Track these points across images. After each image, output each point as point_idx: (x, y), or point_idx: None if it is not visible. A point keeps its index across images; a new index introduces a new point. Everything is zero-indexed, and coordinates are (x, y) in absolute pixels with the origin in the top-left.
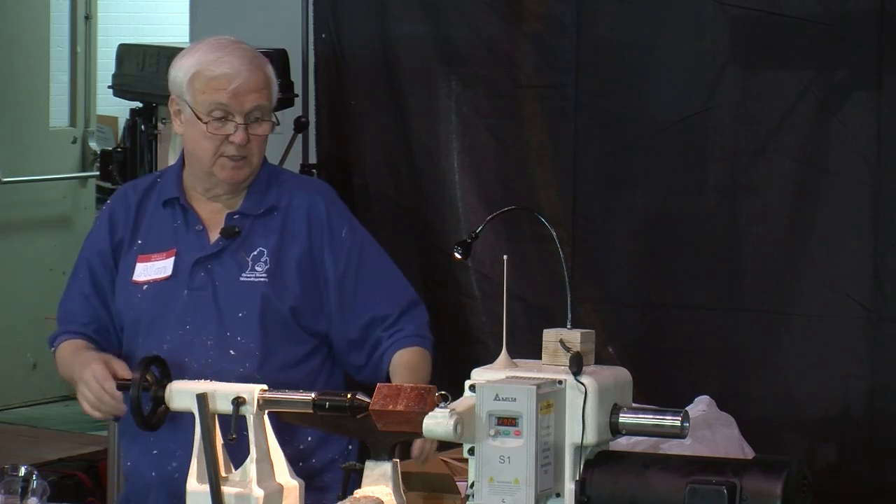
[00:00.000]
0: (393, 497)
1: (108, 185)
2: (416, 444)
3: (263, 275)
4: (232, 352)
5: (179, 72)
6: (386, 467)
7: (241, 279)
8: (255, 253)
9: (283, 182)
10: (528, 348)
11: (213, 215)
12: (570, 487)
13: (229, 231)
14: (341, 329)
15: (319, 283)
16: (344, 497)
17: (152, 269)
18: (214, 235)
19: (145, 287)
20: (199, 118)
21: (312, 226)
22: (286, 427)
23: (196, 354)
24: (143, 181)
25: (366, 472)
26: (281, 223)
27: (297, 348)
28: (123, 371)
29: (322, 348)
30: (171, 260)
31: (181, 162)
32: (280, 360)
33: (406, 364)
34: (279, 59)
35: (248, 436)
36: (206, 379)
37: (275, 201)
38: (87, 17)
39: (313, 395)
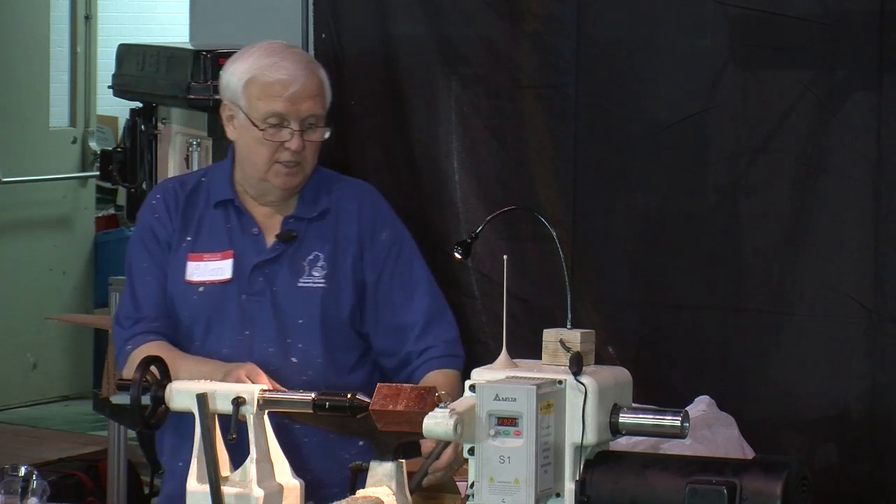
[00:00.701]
0: (393, 497)
1: (108, 184)
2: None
3: (321, 280)
4: (294, 359)
5: (233, 77)
6: (389, 467)
7: (300, 285)
8: (311, 258)
9: (332, 185)
10: (528, 348)
11: (267, 219)
12: (570, 487)
13: (286, 235)
14: (372, 334)
15: (362, 287)
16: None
17: (207, 270)
18: (270, 239)
19: (201, 288)
20: (254, 125)
21: (361, 229)
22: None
23: (257, 362)
24: (188, 179)
25: (370, 472)
26: (334, 227)
27: (353, 353)
28: (264, 379)
29: (370, 352)
30: (229, 262)
31: (230, 162)
32: (340, 366)
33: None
34: None
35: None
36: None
37: (327, 205)
38: (87, 17)
39: (313, 395)
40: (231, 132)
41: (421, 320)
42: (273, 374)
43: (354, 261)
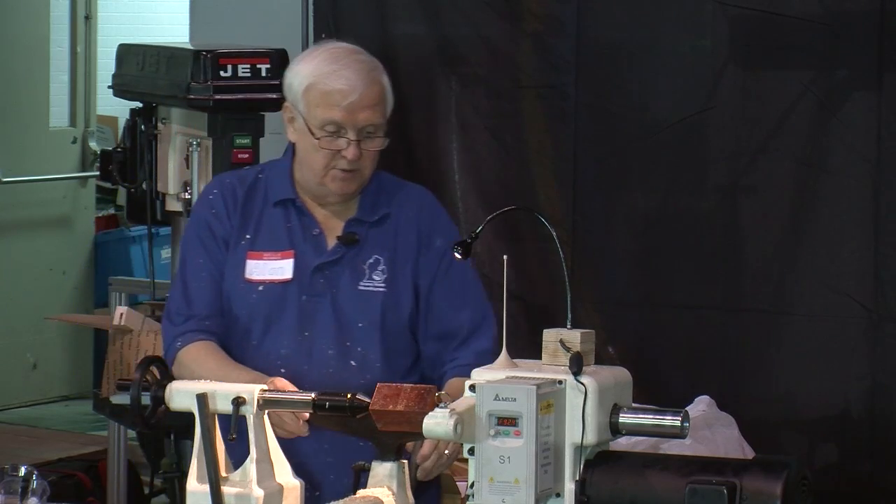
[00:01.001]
0: (393, 498)
1: (108, 184)
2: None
3: (381, 284)
4: (353, 362)
5: (295, 79)
6: (390, 467)
7: (360, 288)
8: (372, 261)
9: (392, 190)
10: (528, 348)
11: (328, 220)
12: (570, 487)
13: (349, 238)
14: (421, 340)
15: (418, 292)
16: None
17: (267, 269)
18: (331, 241)
19: (261, 287)
20: (311, 132)
21: (419, 234)
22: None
23: (315, 363)
24: (245, 174)
25: (371, 473)
26: (393, 232)
27: (408, 358)
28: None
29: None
30: (290, 262)
31: (289, 161)
32: (396, 371)
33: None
34: (279, 59)
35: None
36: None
37: (387, 209)
38: (87, 17)
39: (313, 395)
40: (291, 134)
41: (463, 332)
42: (332, 377)
43: (413, 266)
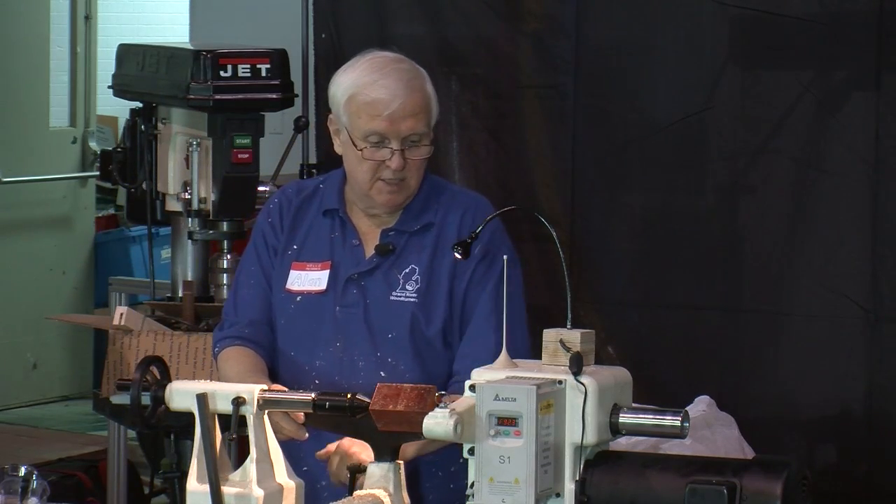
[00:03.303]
0: (390, 499)
1: (108, 184)
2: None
3: (413, 294)
4: (383, 373)
5: (337, 91)
6: (387, 468)
7: (392, 298)
8: (407, 270)
9: (441, 198)
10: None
11: (371, 230)
12: (570, 487)
13: (383, 248)
14: (455, 346)
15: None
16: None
17: (306, 280)
18: (370, 251)
19: (298, 298)
20: (354, 143)
21: (459, 238)
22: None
23: (347, 374)
24: (307, 185)
25: (368, 474)
26: (434, 240)
27: (444, 366)
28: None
29: None
30: (326, 273)
31: (344, 171)
32: (434, 380)
33: None
34: (279, 59)
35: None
36: None
37: (431, 218)
38: (87, 17)
39: (313, 395)
40: (337, 146)
41: (470, 344)
42: (363, 388)
43: (451, 269)
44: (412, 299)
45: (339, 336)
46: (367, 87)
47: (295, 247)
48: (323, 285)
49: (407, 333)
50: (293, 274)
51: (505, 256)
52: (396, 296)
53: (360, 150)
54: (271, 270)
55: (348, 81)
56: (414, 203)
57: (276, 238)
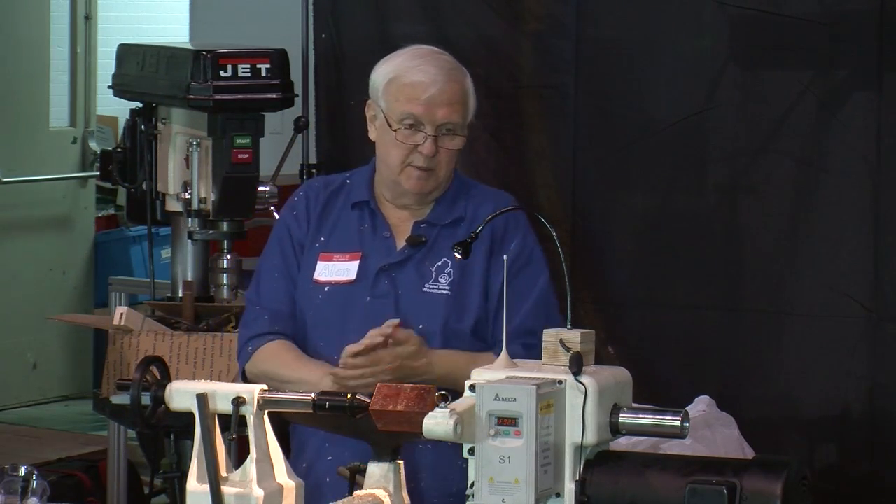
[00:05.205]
0: (390, 499)
1: (108, 184)
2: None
3: (446, 287)
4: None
5: (378, 76)
6: (387, 468)
7: (424, 290)
8: (440, 264)
9: (471, 193)
10: None
11: (401, 222)
12: (570, 487)
13: (415, 240)
14: (491, 343)
15: (488, 294)
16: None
17: (334, 270)
18: (401, 243)
19: (326, 289)
20: (389, 125)
21: (493, 234)
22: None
23: None
24: (334, 179)
25: (367, 474)
26: (465, 234)
27: None
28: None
29: None
30: (356, 263)
31: (373, 165)
32: None
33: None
34: (279, 59)
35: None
36: None
37: (462, 212)
38: (87, 17)
39: (313, 395)
40: (372, 132)
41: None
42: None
43: (484, 266)
44: (445, 292)
45: (368, 326)
46: (409, 70)
47: (322, 239)
48: (352, 275)
49: (439, 325)
50: (320, 265)
51: (504, 256)
52: (429, 288)
53: (395, 130)
54: (294, 263)
55: (390, 67)
56: (446, 196)
57: (301, 232)
